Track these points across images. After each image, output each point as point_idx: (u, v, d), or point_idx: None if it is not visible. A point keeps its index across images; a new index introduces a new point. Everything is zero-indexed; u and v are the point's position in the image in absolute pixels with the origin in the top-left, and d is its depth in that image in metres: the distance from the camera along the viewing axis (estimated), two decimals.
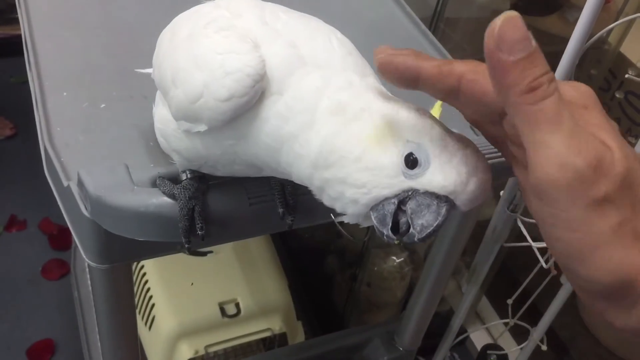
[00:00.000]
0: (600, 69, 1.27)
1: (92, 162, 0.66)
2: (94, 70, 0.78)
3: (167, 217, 0.53)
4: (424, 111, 0.46)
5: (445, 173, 0.43)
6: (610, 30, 0.90)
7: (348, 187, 0.45)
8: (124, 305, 0.69)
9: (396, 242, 0.46)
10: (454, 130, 0.57)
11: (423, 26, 0.92)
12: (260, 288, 1.27)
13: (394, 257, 1.51)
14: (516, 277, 1.37)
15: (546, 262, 1.03)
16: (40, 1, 0.86)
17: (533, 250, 1.02)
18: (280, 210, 0.55)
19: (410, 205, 0.44)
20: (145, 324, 1.25)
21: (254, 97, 0.46)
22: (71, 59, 0.79)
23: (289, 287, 1.35)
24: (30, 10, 0.84)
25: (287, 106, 0.46)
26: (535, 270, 1.10)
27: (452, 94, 0.40)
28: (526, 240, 1.01)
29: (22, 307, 1.70)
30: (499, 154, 0.65)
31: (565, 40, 0.85)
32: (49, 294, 1.74)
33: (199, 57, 0.47)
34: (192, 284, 1.25)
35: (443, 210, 0.44)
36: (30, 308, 1.70)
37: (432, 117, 0.46)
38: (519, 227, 1.01)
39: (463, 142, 0.45)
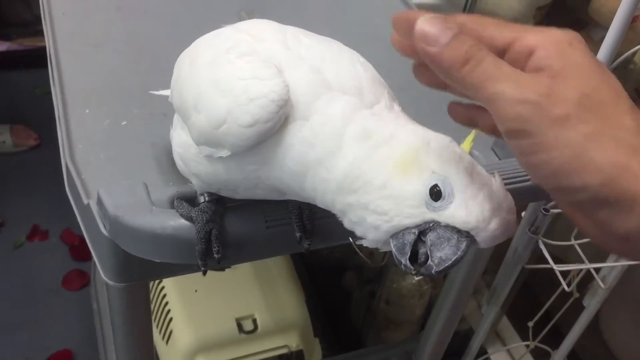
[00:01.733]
0: (625, 88, 1.25)
1: (112, 180, 0.66)
2: (116, 88, 0.79)
3: (183, 239, 0.53)
4: (453, 143, 0.47)
5: (469, 209, 0.43)
6: (636, 50, 0.89)
7: (370, 213, 0.45)
8: (141, 323, 0.69)
9: (413, 272, 0.45)
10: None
11: None
12: (278, 304, 1.26)
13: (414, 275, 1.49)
14: (538, 298, 1.35)
15: (568, 284, 1.01)
16: (65, 18, 0.87)
17: (555, 271, 1.00)
18: (298, 234, 0.55)
19: (430, 237, 0.44)
20: (163, 337, 1.25)
21: (277, 123, 0.45)
22: (94, 76, 0.80)
23: (306, 304, 1.35)
24: (55, 26, 0.85)
25: (313, 131, 0.46)
26: (557, 294, 1.08)
27: None
28: (548, 262, 1.00)
29: (41, 317, 1.71)
30: (524, 178, 0.65)
31: None
32: (69, 305, 1.75)
33: (221, 83, 0.47)
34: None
35: (463, 246, 0.43)
36: (49, 318, 1.71)
37: (461, 150, 0.46)
38: (541, 248, 0.99)
39: (489, 178, 0.45)
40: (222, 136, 0.47)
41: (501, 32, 0.40)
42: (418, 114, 0.51)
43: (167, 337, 1.24)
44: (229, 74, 0.47)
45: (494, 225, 0.43)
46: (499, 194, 0.44)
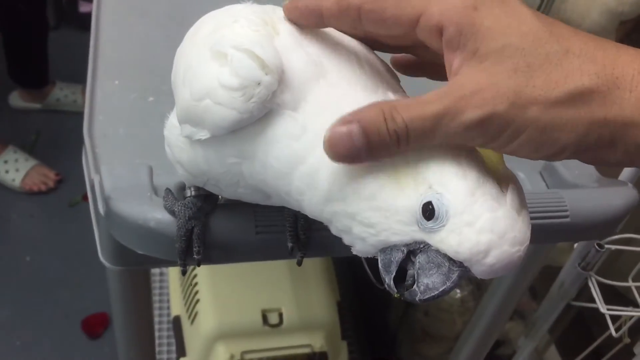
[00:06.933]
0: None
1: (124, 158, 0.63)
2: (150, 61, 0.76)
3: (165, 234, 0.49)
4: (465, 152, 0.39)
5: (462, 237, 0.37)
6: None
7: (357, 224, 0.40)
8: (139, 310, 0.66)
9: (396, 295, 0.40)
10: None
11: None
12: (307, 301, 1.22)
13: (457, 290, 1.42)
14: (591, 332, 1.25)
15: (619, 328, 0.92)
16: None
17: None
18: (290, 244, 0.50)
19: (419, 259, 0.39)
20: (189, 317, 1.24)
21: (261, 107, 0.40)
22: (131, 47, 0.78)
23: (341, 303, 1.30)
24: None
25: (301, 126, 0.40)
26: (604, 336, 0.98)
27: (357, 26, 0.41)
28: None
29: (85, 278, 1.73)
30: (565, 213, 0.57)
31: None
32: None
33: (215, 45, 0.42)
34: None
35: (454, 276, 0.38)
36: (93, 279, 1.72)
37: (473, 161, 0.39)
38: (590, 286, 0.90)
39: (500, 199, 0.38)
40: (204, 110, 0.41)
41: (403, 9, 0.38)
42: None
43: (193, 317, 1.22)
44: (223, 37, 0.42)
45: (491, 259, 0.37)
46: (506, 222, 0.37)
